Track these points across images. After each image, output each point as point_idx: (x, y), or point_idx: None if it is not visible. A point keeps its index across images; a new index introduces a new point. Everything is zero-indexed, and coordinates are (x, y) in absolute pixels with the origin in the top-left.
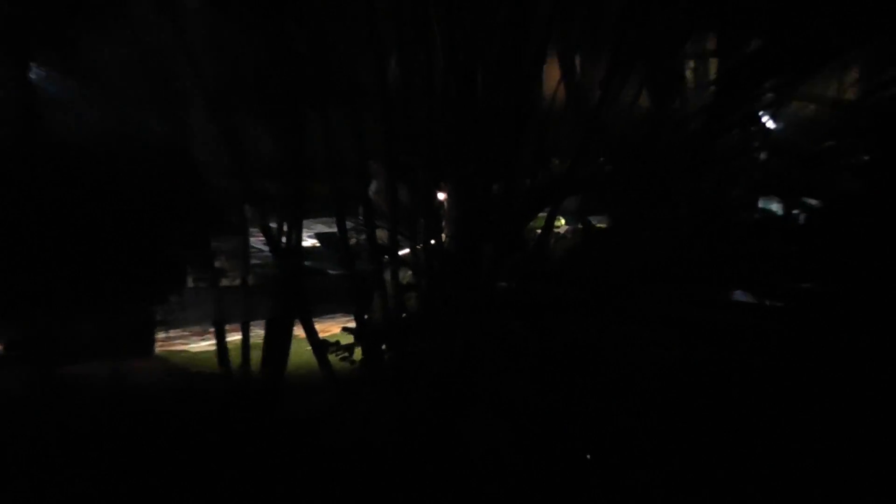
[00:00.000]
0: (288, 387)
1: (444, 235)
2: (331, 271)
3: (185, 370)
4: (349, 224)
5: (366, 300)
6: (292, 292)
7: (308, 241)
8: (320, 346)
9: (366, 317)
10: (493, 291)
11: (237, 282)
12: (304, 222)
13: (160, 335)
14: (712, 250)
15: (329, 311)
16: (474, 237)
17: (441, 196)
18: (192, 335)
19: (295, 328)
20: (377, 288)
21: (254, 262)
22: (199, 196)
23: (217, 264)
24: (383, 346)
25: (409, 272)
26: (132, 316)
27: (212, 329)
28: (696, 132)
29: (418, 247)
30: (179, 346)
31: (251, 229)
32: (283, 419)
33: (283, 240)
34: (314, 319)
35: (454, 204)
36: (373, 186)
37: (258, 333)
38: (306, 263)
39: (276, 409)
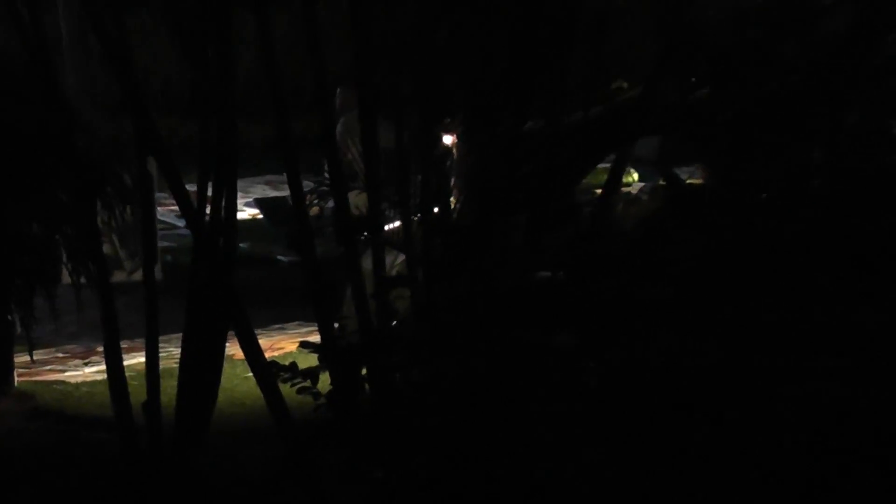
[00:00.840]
0: (217, 438)
1: (452, 200)
2: (280, 257)
3: (58, 414)
4: (306, 185)
5: (333, 301)
6: (222, 290)
7: (245, 212)
8: (266, 372)
9: (335, 326)
10: (529, 287)
11: (137, 275)
12: (239, 182)
13: (21, 359)
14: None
15: (279, 317)
16: (498, 202)
17: (447, 140)
18: (71, 357)
19: (229, 344)
20: (350, 282)
21: (163, 244)
22: (71, 143)
23: (105, 248)
24: (362, 371)
25: (399, 257)
26: None
27: (100, 348)
28: (845, 34)
29: (412, 218)
30: (52, 375)
31: (157, 194)
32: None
33: (207, 209)
34: (257, 331)
35: (467, 151)
36: (340, 126)
37: (173, 353)
38: (242, 246)
39: (196, 482)
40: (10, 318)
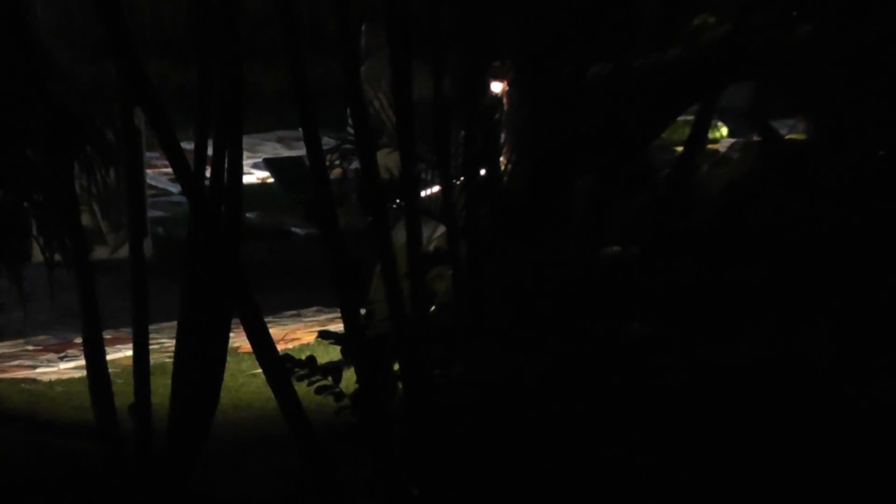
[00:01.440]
0: (219, 448)
1: (501, 161)
2: (295, 229)
3: (28, 419)
4: (325, 142)
5: (359, 283)
6: (225, 270)
7: (252, 175)
8: (278, 368)
9: (360, 313)
10: (596, 267)
11: (122, 252)
12: (245, 140)
13: None
14: None
15: (294, 302)
16: (557, 164)
17: (496, 88)
18: (44, 351)
19: (233, 335)
20: (380, 260)
21: (154, 213)
22: (43, 92)
23: (83, 220)
24: (393, 367)
25: (438, 230)
26: None
27: (78, 340)
28: None
29: (454, 183)
30: (21, 372)
31: (146, 154)
32: None
33: (207, 172)
34: (267, 319)
35: (520, 102)
36: (366, 71)
37: (166, 346)
38: (249, 216)
39: (193, 501)
40: None
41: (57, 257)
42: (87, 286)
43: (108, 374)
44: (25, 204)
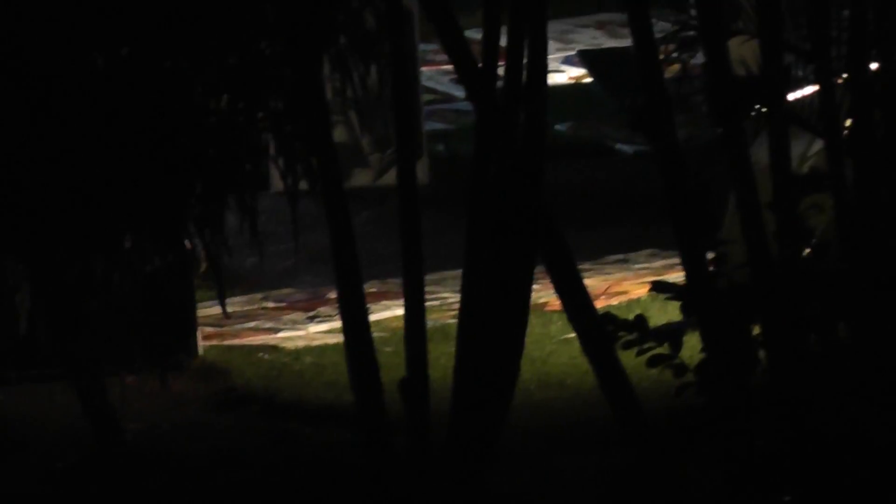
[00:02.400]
0: (518, 439)
1: None
2: (619, 145)
3: (264, 399)
4: (658, 28)
5: (706, 217)
6: (524, 200)
7: (562, 73)
8: (597, 332)
9: (708, 257)
10: None
11: (389, 177)
12: (552, 26)
13: (207, 311)
14: None
15: (619, 243)
16: None
17: None
18: (287, 309)
19: (537, 286)
20: (735, 186)
21: (432, 126)
22: None
23: (337, 134)
24: (753, 330)
25: (815, 144)
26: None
27: (332, 294)
28: None
29: (835, 81)
30: (256, 337)
31: (420, 45)
32: None
33: (500, 70)
34: (583, 266)
35: None
36: None
37: (449, 301)
38: (558, 128)
39: None
40: (188, 246)
41: (302, 184)
42: (342, 223)
43: (370, 340)
44: (260, 114)
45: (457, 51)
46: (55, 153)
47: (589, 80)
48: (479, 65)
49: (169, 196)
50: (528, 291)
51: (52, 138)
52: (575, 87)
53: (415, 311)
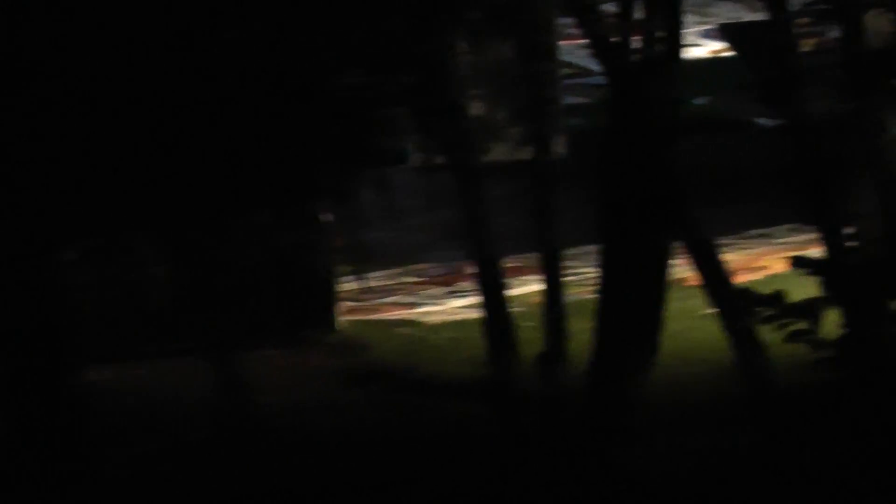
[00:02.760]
0: (659, 416)
1: None
2: (761, 120)
3: (401, 374)
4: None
5: (843, 190)
6: (656, 172)
7: (701, 46)
8: (735, 307)
9: (847, 232)
10: None
11: (524, 151)
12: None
13: (348, 286)
14: None
15: (759, 218)
16: None
17: None
18: (426, 283)
19: (681, 261)
20: (871, 158)
21: (569, 100)
22: None
23: (471, 109)
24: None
25: None
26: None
27: (471, 269)
28: None
29: None
30: (395, 312)
31: (557, 19)
32: None
33: (638, 43)
34: (722, 240)
35: None
36: None
37: (585, 276)
38: (697, 102)
39: (623, 485)
40: (319, 217)
41: (437, 158)
42: (475, 196)
43: (507, 315)
44: (393, 89)
45: (590, 24)
46: (190, 130)
47: (729, 53)
48: (613, 39)
49: (302, 170)
50: (665, 267)
51: (187, 116)
52: (714, 61)
53: (552, 287)
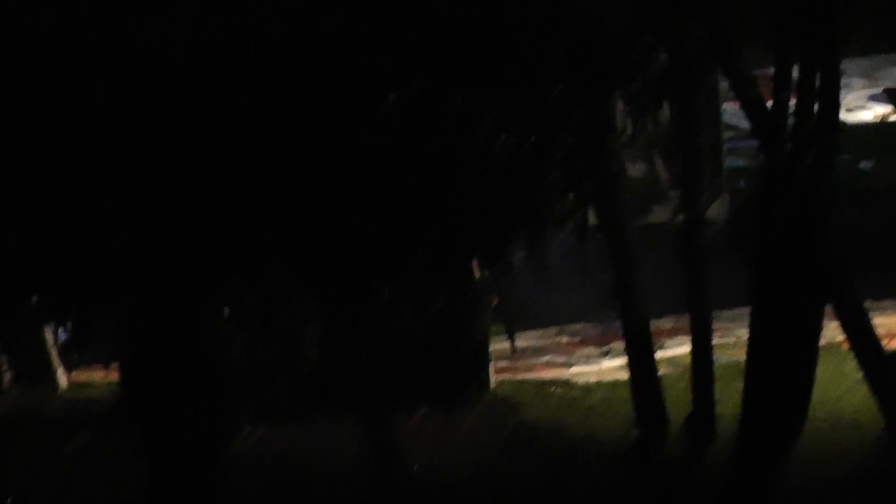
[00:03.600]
0: (808, 481)
1: None
2: None
3: (551, 433)
4: None
5: None
6: (811, 241)
7: (866, 110)
8: (885, 372)
9: None
10: None
11: (678, 218)
12: (856, 62)
13: (501, 346)
14: None
15: None
16: None
17: None
18: (581, 344)
19: (833, 325)
20: None
21: (734, 163)
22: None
23: (631, 169)
24: None
25: None
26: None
27: (617, 332)
28: None
29: None
30: (552, 372)
31: (720, 82)
32: None
33: (791, 106)
34: (886, 304)
35: None
36: None
37: (740, 338)
38: (862, 166)
39: None
40: (475, 282)
41: (590, 220)
42: (630, 258)
43: (656, 377)
44: (550, 151)
45: (743, 88)
46: (346, 189)
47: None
48: (768, 102)
49: (456, 230)
50: (818, 330)
51: (343, 174)
52: (880, 125)
53: (701, 348)
